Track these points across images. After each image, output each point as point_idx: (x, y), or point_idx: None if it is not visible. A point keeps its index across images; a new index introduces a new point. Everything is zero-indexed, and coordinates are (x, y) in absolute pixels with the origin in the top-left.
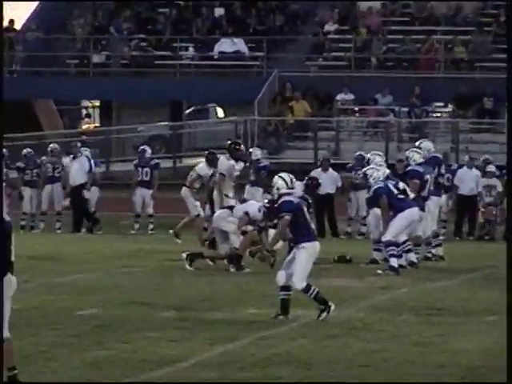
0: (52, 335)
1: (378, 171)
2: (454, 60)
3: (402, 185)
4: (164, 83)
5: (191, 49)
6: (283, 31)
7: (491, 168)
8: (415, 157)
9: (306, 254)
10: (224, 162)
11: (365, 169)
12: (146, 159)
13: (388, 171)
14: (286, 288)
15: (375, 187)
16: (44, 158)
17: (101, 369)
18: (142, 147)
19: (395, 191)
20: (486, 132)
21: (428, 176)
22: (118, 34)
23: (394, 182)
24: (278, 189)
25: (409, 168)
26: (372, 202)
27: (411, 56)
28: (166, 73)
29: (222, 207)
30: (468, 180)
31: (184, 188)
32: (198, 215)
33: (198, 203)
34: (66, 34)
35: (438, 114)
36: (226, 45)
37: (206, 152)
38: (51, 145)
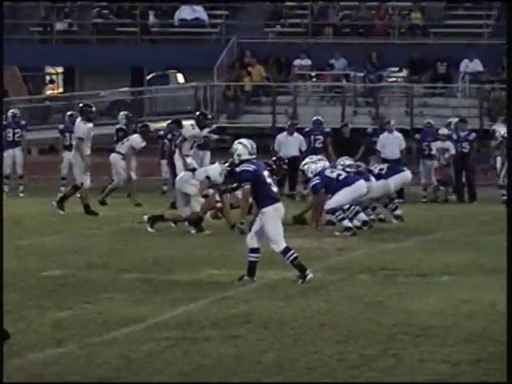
0: (18, 295)
1: (314, 164)
2: (408, 26)
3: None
4: (125, 50)
5: (152, 16)
6: None
7: (444, 131)
8: (312, 167)
9: (268, 217)
10: (80, 125)
11: (301, 165)
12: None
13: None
14: (256, 250)
15: (312, 184)
16: (4, 122)
17: (65, 328)
18: (68, 112)
19: (335, 175)
20: (440, 96)
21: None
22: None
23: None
24: (239, 155)
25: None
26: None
27: (366, 22)
28: (127, 40)
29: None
30: (390, 144)
31: (114, 154)
32: (130, 178)
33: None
34: (29, 1)
35: (393, 79)
36: (185, 12)
37: (140, 125)
38: (11, 110)
